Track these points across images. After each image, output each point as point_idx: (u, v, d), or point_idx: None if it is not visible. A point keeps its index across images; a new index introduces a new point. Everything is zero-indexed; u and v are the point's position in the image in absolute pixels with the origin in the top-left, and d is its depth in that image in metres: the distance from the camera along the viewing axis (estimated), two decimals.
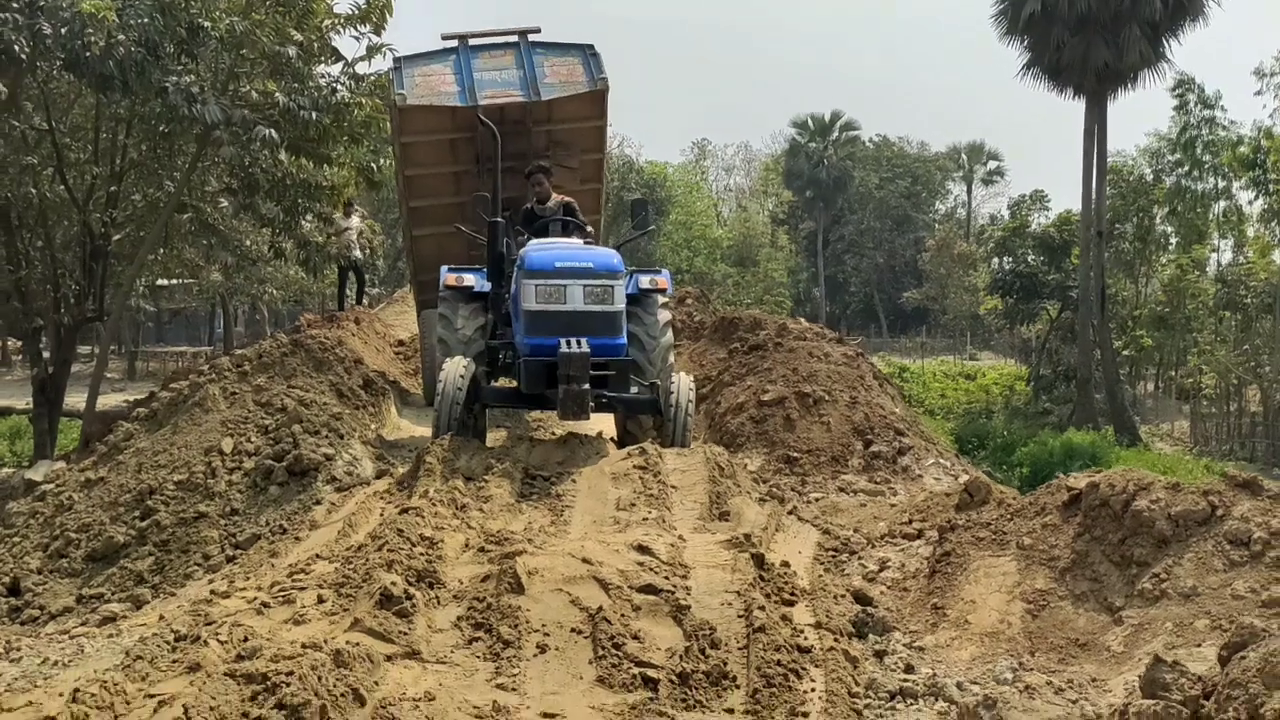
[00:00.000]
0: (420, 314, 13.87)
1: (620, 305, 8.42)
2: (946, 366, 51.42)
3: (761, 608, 4.85)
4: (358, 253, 19.58)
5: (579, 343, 7.90)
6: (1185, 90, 40.24)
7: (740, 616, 4.81)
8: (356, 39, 13.78)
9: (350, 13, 13.67)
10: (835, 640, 4.85)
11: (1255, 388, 37.80)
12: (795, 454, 9.96)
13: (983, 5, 75.33)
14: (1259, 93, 39.96)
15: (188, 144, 14.39)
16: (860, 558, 6.75)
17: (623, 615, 4.69)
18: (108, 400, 25.75)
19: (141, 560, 7.57)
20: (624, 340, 8.47)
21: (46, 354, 16.69)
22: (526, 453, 7.95)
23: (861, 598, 5.72)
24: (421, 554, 5.24)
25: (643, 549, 5.45)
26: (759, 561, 5.53)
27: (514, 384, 8.99)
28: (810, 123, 67.93)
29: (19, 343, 25.55)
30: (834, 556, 6.80)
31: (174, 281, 21.52)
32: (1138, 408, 39.47)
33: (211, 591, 5.80)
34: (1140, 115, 77.53)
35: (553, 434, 11.45)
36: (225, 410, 8.85)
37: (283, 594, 5.10)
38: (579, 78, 11.65)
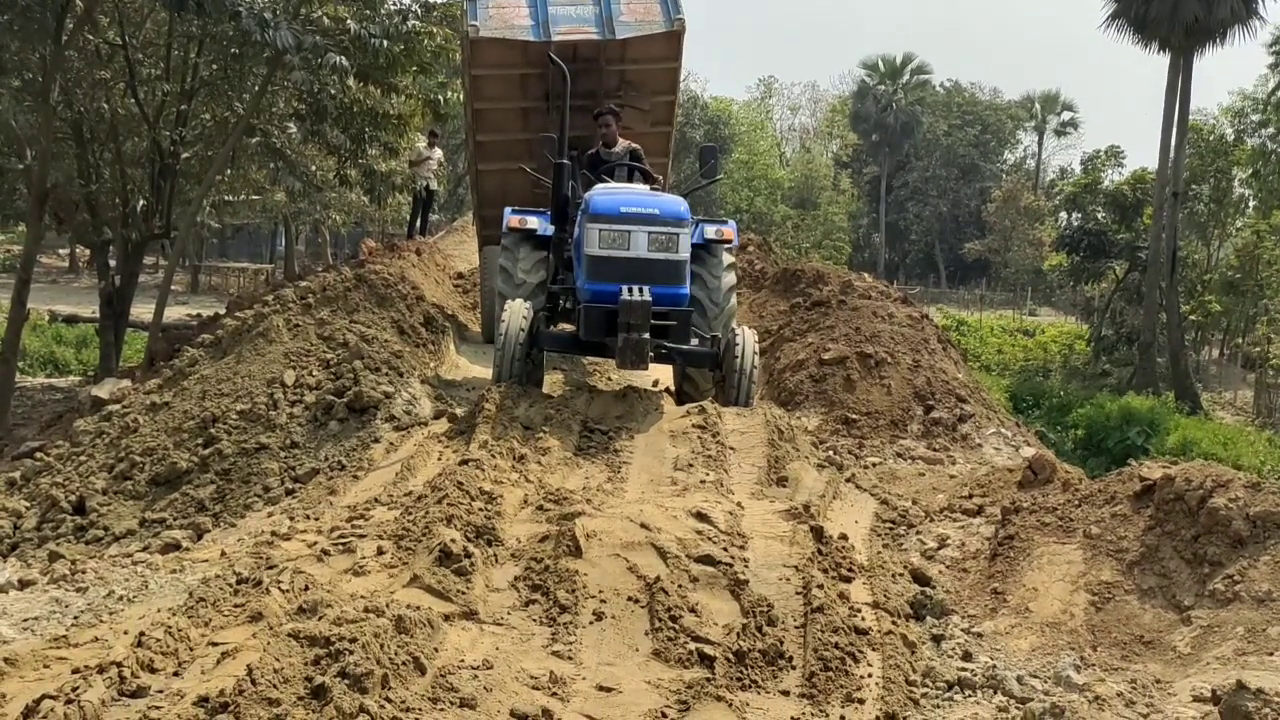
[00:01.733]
0: (481, 249, 13.82)
1: (685, 254, 8.28)
2: (1005, 321, 50.65)
3: (820, 586, 4.80)
4: (435, 184, 19.59)
5: (641, 290, 7.77)
6: None
7: (798, 594, 4.77)
8: None
9: None
10: (893, 623, 4.79)
11: None
12: (854, 416, 9.84)
13: None
14: None
15: (258, 67, 14.39)
16: (919, 532, 6.66)
17: (680, 586, 4.66)
18: (172, 313, 26.17)
19: (204, 488, 7.68)
20: (687, 290, 8.35)
21: (114, 265, 16.98)
22: (585, 404, 7.91)
23: (920, 577, 5.64)
24: (480, 509, 5.24)
25: (701, 516, 5.41)
26: (818, 534, 5.47)
27: (573, 329, 8.93)
28: (881, 65, 66.38)
29: (89, 251, 25.94)
30: (891, 529, 6.71)
31: (239, 198, 21.64)
32: (1201, 374, 38.65)
33: (273, 533, 5.86)
34: (1224, 73, 74.64)
35: (609, 380, 11.46)
36: (289, 342, 8.91)
37: (342, 541, 5.14)
38: (655, 16, 11.37)
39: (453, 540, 4.73)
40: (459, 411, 8.16)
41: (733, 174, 56.26)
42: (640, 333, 7.65)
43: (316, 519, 6.31)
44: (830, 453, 8.71)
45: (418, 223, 19.72)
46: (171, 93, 15.52)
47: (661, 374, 9.95)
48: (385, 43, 12.88)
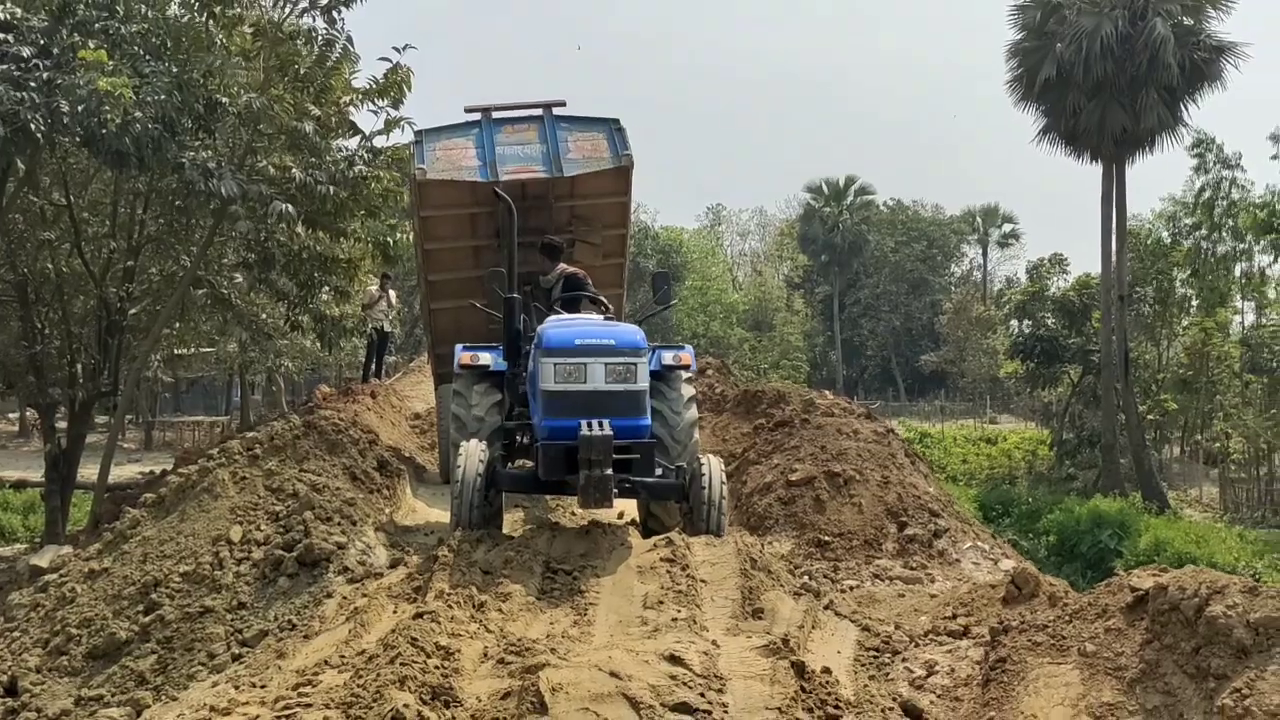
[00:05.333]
0: (437, 388, 13.60)
1: (644, 384, 8.06)
2: (967, 431, 50.89)
3: None
4: (389, 326, 19.50)
5: (601, 424, 7.51)
6: (1204, 149, 40.14)
7: None
8: (375, 113, 13.76)
9: (369, 87, 13.66)
10: None
11: None
12: (826, 537, 9.55)
13: (996, 69, 75.87)
14: (1275, 157, 39.87)
15: (204, 218, 14.31)
16: (905, 659, 6.32)
17: None
18: (123, 471, 25.56)
19: (144, 659, 7.20)
20: (648, 421, 8.10)
21: (63, 426, 16.53)
22: (547, 544, 7.56)
23: (911, 710, 5.30)
24: (436, 667, 4.88)
25: (675, 659, 5.07)
26: (799, 670, 5.14)
27: (532, 466, 8.63)
28: (824, 187, 68.26)
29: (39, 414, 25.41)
30: (875, 657, 6.37)
31: (191, 351, 21.36)
32: (1164, 473, 38.81)
33: (211, 708, 5.43)
34: (1155, 179, 77.63)
35: (572, 515, 11.11)
36: (234, 496, 8.54)
37: (287, 712, 4.74)
38: (603, 153, 11.46)
39: (405, 705, 4.36)
40: (416, 559, 7.79)
41: (687, 300, 56.90)
42: (602, 469, 7.34)
43: (263, 687, 5.86)
44: (806, 578, 8.40)
45: (373, 365, 19.54)
46: (118, 249, 15.38)
47: (627, 506, 9.65)
48: (332, 189, 12.88)
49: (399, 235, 14.87)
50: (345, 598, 7.36)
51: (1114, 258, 34.26)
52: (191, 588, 7.64)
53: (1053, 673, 5.23)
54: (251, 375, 31.47)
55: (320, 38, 13.51)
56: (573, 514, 11.23)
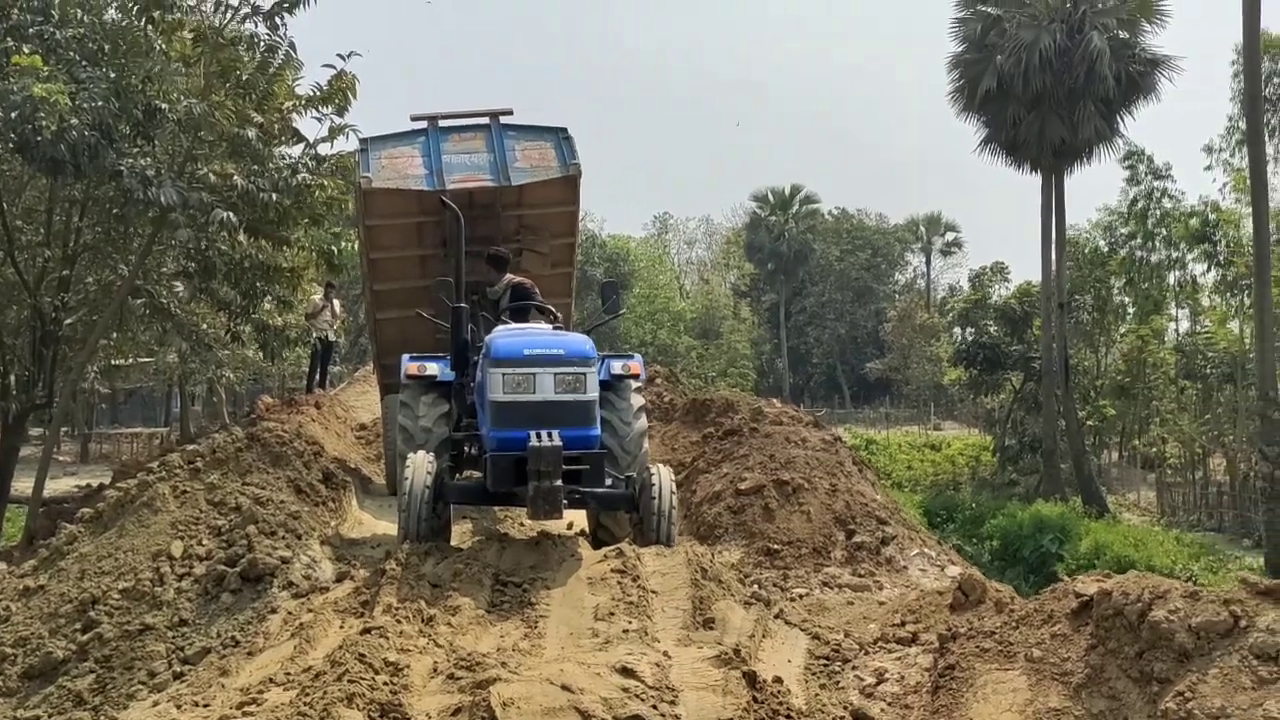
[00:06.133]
0: (383, 398, 13.44)
1: (593, 394, 8.02)
2: (911, 437, 51.51)
3: None
4: (333, 336, 19.24)
5: (550, 435, 7.47)
6: (1136, 161, 41.10)
7: None
8: (319, 120, 13.58)
9: (312, 94, 13.48)
10: None
11: (1219, 457, 38.03)
12: (775, 545, 9.58)
13: (938, 80, 77.03)
14: (1208, 168, 40.98)
15: (143, 227, 14.02)
16: (855, 667, 6.35)
17: None
18: (59, 485, 24.93)
19: (81, 678, 6.99)
20: (598, 431, 8.06)
21: None
22: (497, 556, 7.49)
23: (861, 717, 5.32)
24: (385, 683, 4.80)
25: (626, 671, 5.04)
26: (751, 680, 5.15)
27: (480, 477, 8.56)
28: (770, 196, 68.73)
29: None
30: (826, 665, 6.39)
31: (129, 361, 20.90)
32: (1102, 477, 39.55)
33: None
34: (1094, 189, 79.34)
35: (520, 526, 11.03)
36: (175, 511, 8.35)
37: None
38: (550, 162, 11.41)
39: None
40: (363, 573, 7.68)
41: (635, 309, 56.95)
42: (552, 480, 7.27)
43: (205, 705, 5.74)
44: (755, 586, 8.40)
45: (316, 375, 19.26)
46: (53, 258, 15.01)
47: (576, 516, 9.60)
48: (274, 196, 12.69)
49: (344, 244, 14.69)
50: (290, 613, 7.22)
51: (1054, 266, 34.91)
52: (131, 605, 7.45)
53: (1000, 679, 5.29)
54: (192, 386, 30.92)
55: (263, 44, 13.32)
56: (520, 525, 11.15)
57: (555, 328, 9.19)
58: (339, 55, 13.33)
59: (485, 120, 11.88)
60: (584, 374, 7.89)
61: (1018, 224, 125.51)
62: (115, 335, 16.99)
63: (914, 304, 64.66)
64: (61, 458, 33.24)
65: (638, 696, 4.79)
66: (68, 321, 15.31)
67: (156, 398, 50.03)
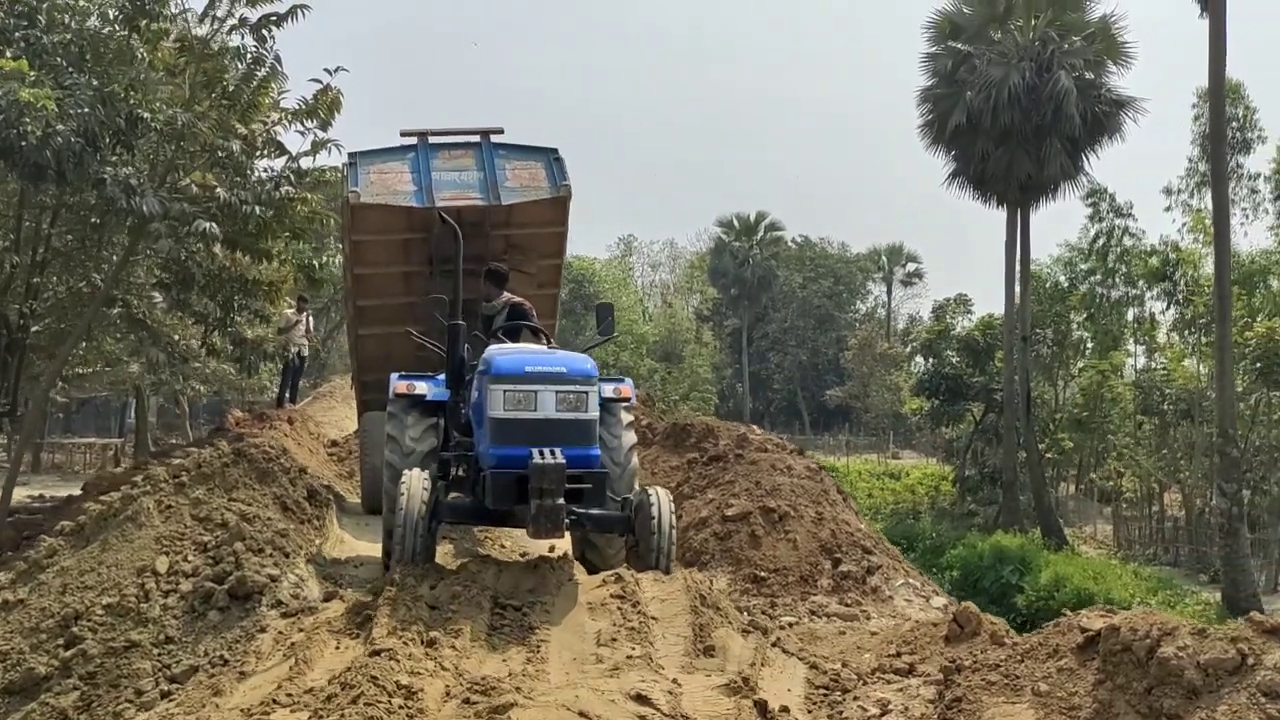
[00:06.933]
0: (361, 416, 13.31)
1: (594, 413, 7.98)
2: (870, 465, 51.83)
3: None
4: (306, 350, 19.05)
5: (553, 453, 7.41)
6: (1098, 199, 41.85)
7: None
8: (302, 134, 13.47)
9: (297, 107, 13.37)
10: None
11: (1175, 492, 38.62)
12: (762, 573, 9.59)
13: (907, 114, 78.05)
14: (1168, 209, 41.81)
15: (119, 235, 13.81)
16: (856, 697, 6.35)
17: None
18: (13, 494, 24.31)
19: (66, 695, 6.85)
20: (598, 451, 8.01)
21: None
22: (494, 579, 7.41)
23: None
24: (401, 706, 4.75)
25: (641, 699, 5.03)
26: (762, 710, 5.16)
27: (468, 497, 8.50)
28: (735, 222, 69.18)
29: None
30: (826, 695, 6.40)
31: (92, 370, 20.51)
32: (1060, 509, 39.98)
33: None
34: (1057, 225, 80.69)
35: (501, 547, 10.96)
36: (160, 526, 8.20)
37: None
38: (541, 182, 11.41)
39: None
40: (353, 593, 7.59)
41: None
42: (555, 498, 7.20)
43: None
44: (755, 619, 8.40)
45: (287, 390, 19.05)
46: (21, 264, 14.72)
47: (561, 541, 9.54)
48: (256, 209, 12.55)
49: (324, 259, 14.56)
50: (281, 632, 7.13)
51: (1017, 299, 35.38)
52: (115, 620, 7.31)
53: (1008, 711, 5.32)
54: (156, 395, 30.42)
55: (249, 55, 13.21)
56: (502, 546, 11.10)
57: (550, 348, 9.17)
58: (325, 70, 13.23)
59: (476, 138, 11.87)
60: (586, 393, 7.88)
61: (980, 257, 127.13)
62: (83, 345, 16.69)
63: (874, 333, 65.22)
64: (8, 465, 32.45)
65: None
66: (35, 329, 15.02)
67: (111, 407, 49.18)
